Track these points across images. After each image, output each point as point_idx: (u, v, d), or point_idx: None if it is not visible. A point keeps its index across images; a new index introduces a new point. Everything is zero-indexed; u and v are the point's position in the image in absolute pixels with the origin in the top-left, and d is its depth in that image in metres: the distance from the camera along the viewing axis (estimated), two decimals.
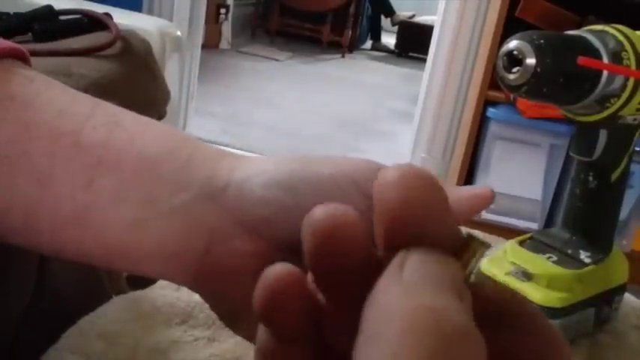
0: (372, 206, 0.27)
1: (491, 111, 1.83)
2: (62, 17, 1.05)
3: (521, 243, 0.53)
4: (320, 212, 0.18)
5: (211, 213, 0.27)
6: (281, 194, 0.26)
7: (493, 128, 1.86)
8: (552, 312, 0.48)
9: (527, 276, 0.49)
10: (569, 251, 0.52)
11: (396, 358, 0.14)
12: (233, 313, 0.29)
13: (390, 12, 5.76)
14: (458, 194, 0.27)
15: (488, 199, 0.28)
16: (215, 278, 0.27)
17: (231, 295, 0.28)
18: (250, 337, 0.28)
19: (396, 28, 5.73)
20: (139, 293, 0.46)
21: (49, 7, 1.03)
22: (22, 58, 0.29)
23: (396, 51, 5.70)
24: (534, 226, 1.85)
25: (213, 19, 4.31)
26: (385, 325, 0.14)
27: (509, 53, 0.45)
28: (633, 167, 0.53)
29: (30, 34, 0.99)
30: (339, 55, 5.31)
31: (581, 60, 0.44)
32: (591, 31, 0.47)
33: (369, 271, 0.17)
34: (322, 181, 0.27)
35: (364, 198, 0.27)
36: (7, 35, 0.96)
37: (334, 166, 0.28)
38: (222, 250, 0.27)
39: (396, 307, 0.15)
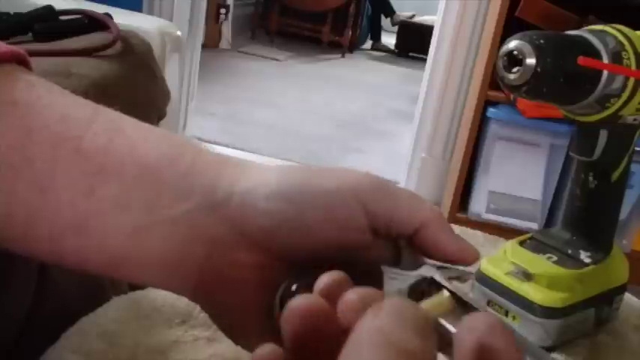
0: (374, 222, 0.27)
1: (491, 111, 1.83)
2: (62, 17, 1.05)
3: (521, 243, 0.53)
4: (298, 300, 0.21)
5: (213, 223, 0.27)
6: (284, 206, 0.26)
7: (493, 128, 1.85)
8: (552, 312, 0.47)
9: (527, 276, 0.49)
10: (570, 251, 0.51)
11: None
12: (232, 323, 0.28)
13: (390, 12, 5.76)
14: (444, 249, 0.28)
15: (468, 262, 0.29)
16: (215, 288, 0.27)
17: (231, 305, 0.28)
18: (249, 346, 0.28)
19: (396, 28, 5.73)
20: (139, 293, 0.46)
21: (49, 7, 1.03)
22: (22, 62, 0.29)
23: (396, 51, 5.70)
24: (534, 226, 1.85)
25: (213, 19, 4.31)
26: (355, 356, 0.17)
27: (509, 53, 0.45)
28: (633, 167, 0.53)
29: (30, 34, 0.99)
30: (339, 55, 5.31)
31: (581, 60, 0.44)
32: (591, 31, 0.47)
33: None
34: (325, 194, 0.27)
35: (366, 213, 0.27)
36: (7, 35, 0.96)
37: (337, 179, 0.28)
38: (222, 260, 0.27)
39: (366, 342, 0.17)
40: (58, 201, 0.26)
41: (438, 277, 0.25)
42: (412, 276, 0.25)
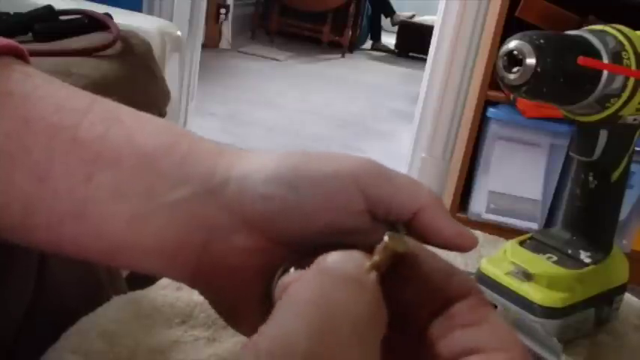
0: (373, 207, 0.27)
1: (491, 111, 1.83)
2: (62, 17, 1.05)
3: (521, 243, 0.53)
4: (290, 274, 0.24)
5: (211, 209, 0.27)
6: (282, 191, 0.26)
7: (493, 128, 1.85)
8: (552, 312, 0.48)
9: (527, 276, 0.49)
10: (570, 251, 0.52)
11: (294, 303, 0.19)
12: (232, 309, 0.29)
13: (390, 12, 5.76)
14: (441, 233, 0.28)
15: (466, 248, 0.28)
16: (214, 274, 0.27)
17: (231, 290, 0.28)
18: (249, 333, 0.28)
19: (396, 28, 5.73)
20: (139, 293, 0.46)
21: (50, 7, 1.03)
22: (20, 56, 0.29)
23: (396, 51, 5.70)
24: (534, 226, 1.85)
25: (213, 19, 4.31)
26: (292, 291, 0.20)
27: (509, 53, 0.45)
28: (633, 167, 0.53)
29: (30, 34, 0.99)
30: (339, 55, 5.31)
31: (581, 60, 0.44)
32: (591, 31, 0.47)
33: None
34: (324, 178, 0.27)
35: (364, 197, 0.27)
36: (7, 35, 0.96)
37: (336, 163, 0.27)
38: (221, 246, 0.27)
39: (305, 280, 0.20)
40: (55, 189, 0.26)
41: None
42: None
